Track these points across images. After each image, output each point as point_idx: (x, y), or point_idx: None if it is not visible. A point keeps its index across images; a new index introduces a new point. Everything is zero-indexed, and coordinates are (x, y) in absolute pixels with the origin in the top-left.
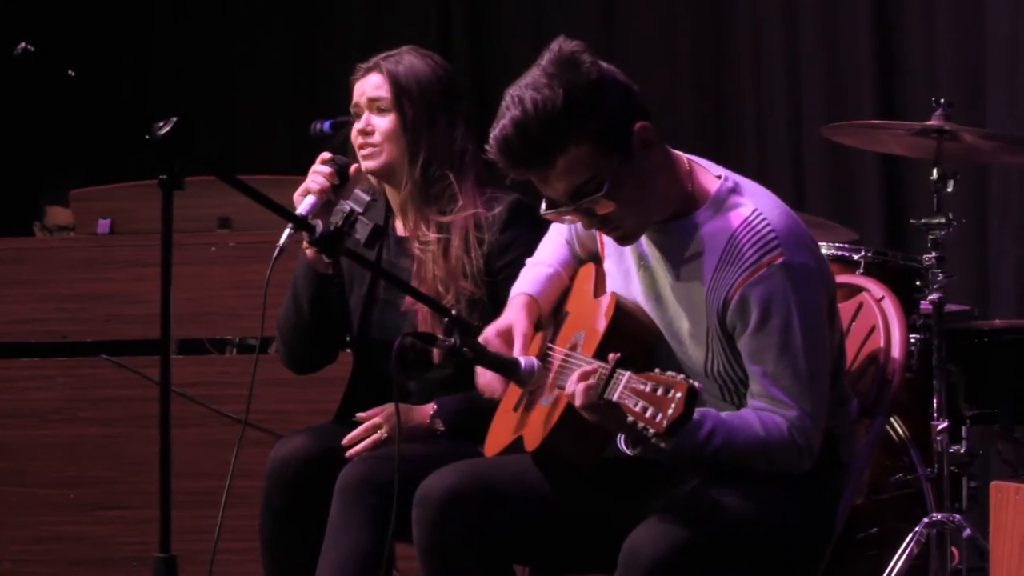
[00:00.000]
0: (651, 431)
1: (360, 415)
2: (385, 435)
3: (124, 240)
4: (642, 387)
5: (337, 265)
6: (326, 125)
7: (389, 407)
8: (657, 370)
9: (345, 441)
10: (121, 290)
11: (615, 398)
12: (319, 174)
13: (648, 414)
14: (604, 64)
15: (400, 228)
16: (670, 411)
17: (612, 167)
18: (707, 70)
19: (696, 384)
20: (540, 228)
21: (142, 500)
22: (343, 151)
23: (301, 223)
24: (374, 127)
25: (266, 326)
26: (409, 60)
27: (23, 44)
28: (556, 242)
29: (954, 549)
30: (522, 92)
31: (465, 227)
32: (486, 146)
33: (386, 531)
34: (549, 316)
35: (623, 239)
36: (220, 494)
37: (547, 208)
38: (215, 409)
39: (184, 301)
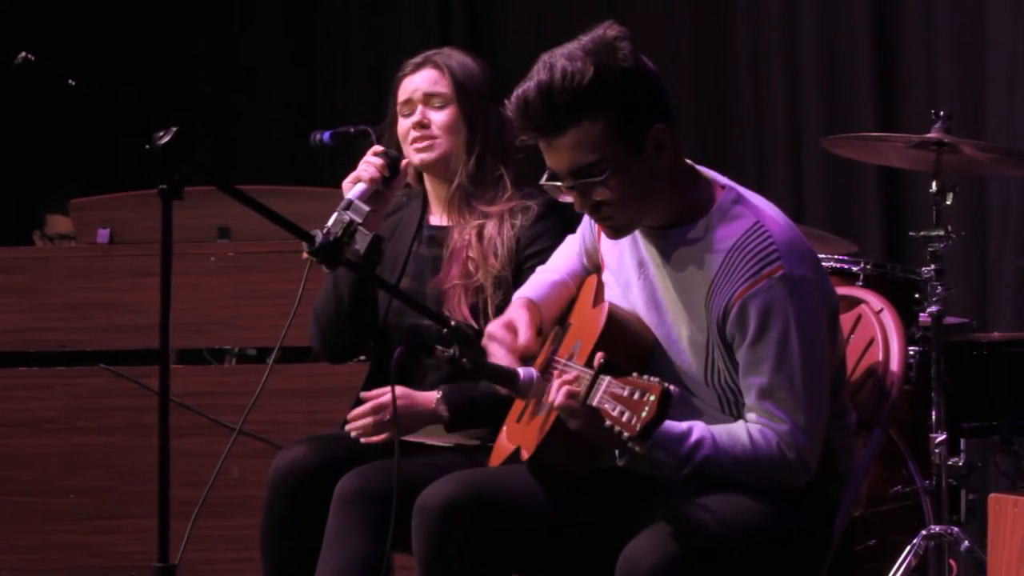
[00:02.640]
0: (625, 435)
1: (364, 394)
2: (387, 418)
3: (123, 250)
4: (620, 391)
5: (379, 252)
6: (326, 135)
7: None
8: (635, 374)
9: (349, 416)
10: (120, 300)
11: (595, 403)
12: (371, 164)
13: (624, 418)
14: (645, 59)
15: (436, 219)
16: (643, 414)
17: (619, 157)
18: (706, 81)
19: (671, 388)
20: (570, 228)
21: (141, 509)
22: (347, 161)
23: (300, 233)
24: (431, 120)
25: (268, 336)
26: (459, 57)
27: (24, 53)
28: (568, 253)
29: (952, 561)
30: (555, 59)
31: (502, 212)
32: (506, 101)
33: (384, 541)
34: (551, 323)
35: (613, 231)
36: (219, 504)
37: (548, 179)
38: (214, 419)
39: (183, 311)
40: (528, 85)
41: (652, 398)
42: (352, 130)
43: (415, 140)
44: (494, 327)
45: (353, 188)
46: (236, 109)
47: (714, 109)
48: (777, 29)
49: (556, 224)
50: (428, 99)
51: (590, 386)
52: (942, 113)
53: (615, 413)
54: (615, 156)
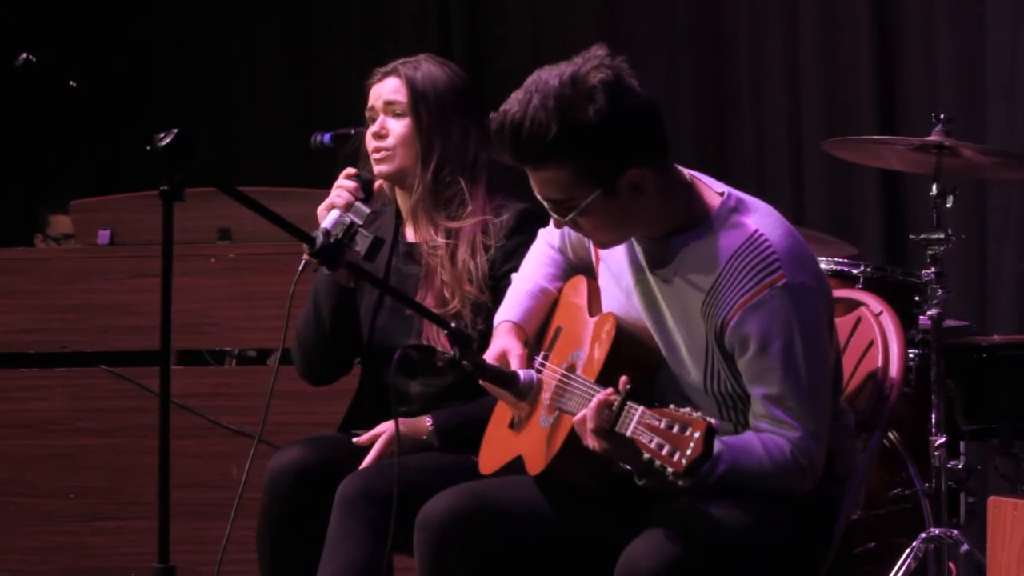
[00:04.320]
0: (670, 470)
1: (357, 440)
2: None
3: (124, 251)
4: (656, 423)
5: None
6: (326, 137)
7: (386, 428)
8: (672, 406)
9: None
10: (121, 301)
11: (628, 433)
12: (344, 188)
13: (665, 452)
14: (629, 100)
15: (410, 235)
16: (689, 451)
17: (589, 196)
18: (707, 84)
19: (713, 422)
20: None
21: (141, 511)
22: (347, 163)
23: (301, 235)
24: (388, 130)
25: (268, 337)
26: (427, 67)
27: (25, 54)
28: (541, 254)
29: (951, 564)
30: (533, 93)
31: (473, 232)
32: (492, 113)
33: (385, 543)
34: (534, 336)
35: (598, 245)
36: (219, 505)
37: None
38: (214, 420)
39: (183, 312)
40: (506, 110)
41: (698, 435)
42: (352, 132)
43: (374, 150)
44: (487, 359)
45: (328, 216)
46: (236, 111)
47: (715, 112)
48: (778, 32)
49: (529, 238)
50: (388, 107)
51: (618, 413)
52: (942, 116)
53: (653, 446)
54: (584, 195)
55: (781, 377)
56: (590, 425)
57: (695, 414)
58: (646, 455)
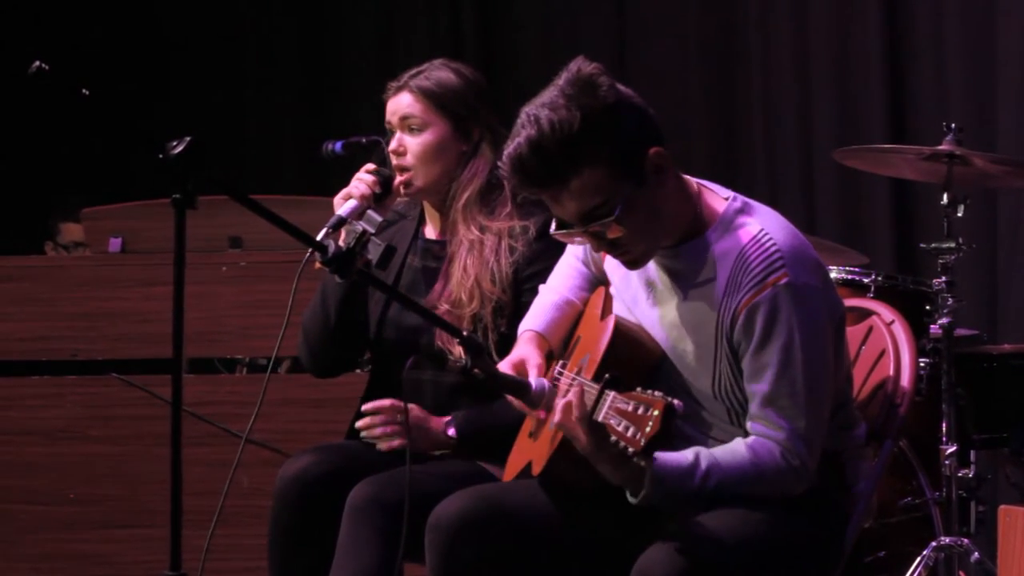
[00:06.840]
0: (630, 450)
1: (371, 405)
2: (399, 419)
3: (135, 259)
4: (624, 406)
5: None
6: (337, 146)
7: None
8: (639, 389)
9: (363, 418)
10: (132, 309)
11: (600, 418)
12: (363, 181)
13: (629, 433)
14: (621, 87)
15: (430, 232)
16: (647, 428)
17: (624, 192)
18: (718, 94)
19: (675, 401)
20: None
21: (151, 519)
22: (350, 171)
23: (314, 243)
24: (405, 147)
25: (283, 344)
26: (437, 74)
27: (38, 62)
28: (569, 266)
29: (962, 573)
30: (538, 111)
31: (499, 233)
32: (499, 163)
33: (396, 551)
34: (560, 346)
35: (631, 263)
36: (228, 513)
37: (557, 228)
38: (225, 428)
39: (194, 320)
40: (518, 143)
41: (656, 413)
42: (363, 140)
43: (396, 168)
44: (504, 366)
45: (344, 205)
46: (248, 119)
47: (726, 122)
48: (788, 42)
49: (555, 243)
50: (403, 123)
51: (596, 401)
52: (953, 126)
53: (620, 428)
54: (621, 192)
55: (777, 375)
56: (561, 413)
57: (657, 394)
58: (612, 438)
